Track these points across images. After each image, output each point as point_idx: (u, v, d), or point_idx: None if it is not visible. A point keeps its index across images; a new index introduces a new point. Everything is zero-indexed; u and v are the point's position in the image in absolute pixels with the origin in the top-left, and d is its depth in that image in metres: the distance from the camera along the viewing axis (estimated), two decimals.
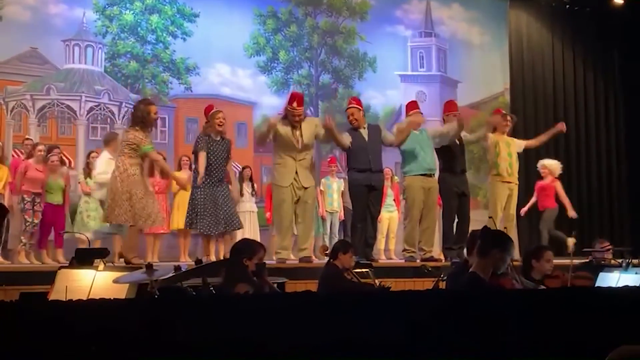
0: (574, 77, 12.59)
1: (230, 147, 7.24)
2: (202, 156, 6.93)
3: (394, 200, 9.99)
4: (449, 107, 8.30)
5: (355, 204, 7.55)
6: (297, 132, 7.19)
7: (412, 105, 8.02)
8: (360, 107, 7.44)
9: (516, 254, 7.42)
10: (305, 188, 7.24)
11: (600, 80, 12.76)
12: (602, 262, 6.52)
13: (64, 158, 8.29)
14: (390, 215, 9.92)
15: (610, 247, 6.96)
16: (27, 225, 7.44)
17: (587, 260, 6.89)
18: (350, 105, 7.57)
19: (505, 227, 7.34)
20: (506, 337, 3.15)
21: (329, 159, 10.41)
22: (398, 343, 2.99)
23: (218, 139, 7.07)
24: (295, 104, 7.15)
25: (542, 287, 4.72)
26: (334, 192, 9.74)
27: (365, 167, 7.35)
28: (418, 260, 7.49)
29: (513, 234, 8.14)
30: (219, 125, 7.02)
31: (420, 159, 7.56)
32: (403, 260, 7.96)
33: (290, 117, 7.19)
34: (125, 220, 6.32)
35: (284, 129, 7.18)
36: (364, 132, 7.43)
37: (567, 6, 12.54)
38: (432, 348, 3.02)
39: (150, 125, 6.57)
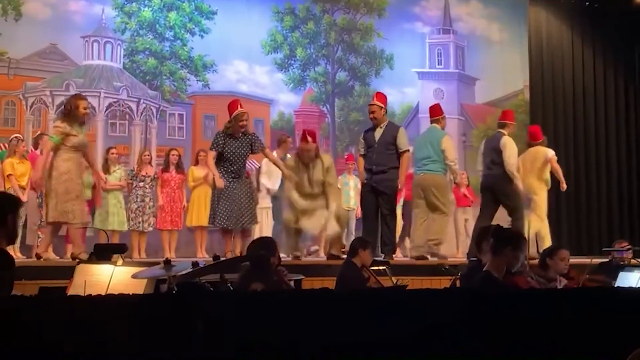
0: (593, 74, 12.47)
1: (255, 141, 7.17)
2: (211, 155, 7.00)
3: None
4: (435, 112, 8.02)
5: (360, 202, 7.84)
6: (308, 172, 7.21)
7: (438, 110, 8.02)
8: (382, 105, 7.43)
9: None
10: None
11: (620, 78, 12.63)
12: (622, 262, 6.45)
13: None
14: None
15: (629, 247, 6.88)
16: (42, 221, 7.50)
17: (607, 260, 6.83)
18: (373, 102, 7.52)
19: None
20: (521, 337, 3.13)
21: (346, 157, 10.41)
22: (414, 342, 2.99)
23: (239, 135, 7.06)
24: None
25: (563, 281, 4.69)
26: (351, 190, 9.72)
27: (368, 167, 7.42)
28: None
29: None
30: (241, 127, 7.03)
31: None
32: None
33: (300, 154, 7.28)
34: (52, 217, 6.31)
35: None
36: (378, 132, 7.42)
37: (587, 3, 12.42)
38: (447, 347, 3.01)
39: (79, 119, 6.47)
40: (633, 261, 6.39)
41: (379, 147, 7.37)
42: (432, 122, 7.91)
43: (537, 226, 8.14)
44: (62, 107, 6.92)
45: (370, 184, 7.39)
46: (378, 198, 7.37)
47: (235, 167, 7.00)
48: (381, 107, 7.40)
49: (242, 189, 7.02)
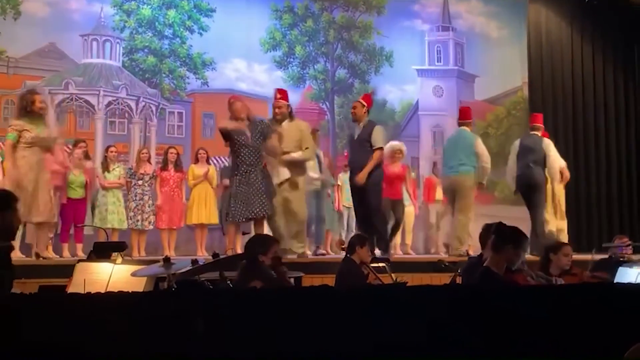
0: (593, 71, 12.45)
1: (268, 128, 6.99)
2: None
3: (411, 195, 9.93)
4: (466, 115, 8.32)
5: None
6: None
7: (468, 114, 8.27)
8: (365, 104, 7.48)
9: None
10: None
11: (620, 75, 12.61)
12: (622, 258, 6.45)
13: (89, 153, 8.35)
14: (406, 210, 9.85)
15: (629, 243, 6.87)
16: None
17: (607, 257, 6.83)
18: (358, 100, 7.73)
19: None
20: (520, 333, 3.14)
21: (345, 154, 10.39)
22: (415, 339, 2.99)
23: (247, 123, 6.92)
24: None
25: (560, 281, 4.69)
26: None
27: (348, 165, 7.66)
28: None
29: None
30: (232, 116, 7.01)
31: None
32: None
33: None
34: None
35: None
36: (357, 130, 7.52)
37: (587, 0, 12.41)
38: (447, 343, 3.01)
39: (35, 114, 6.46)
40: (633, 257, 6.39)
41: (356, 145, 7.43)
42: (460, 124, 8.15)
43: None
44: (18, 104, 6.83)
45: (352, 182, 7.47)
46: (360, 195, 7.38)
47: (246, 158, 6.86)
48: (363, 105, 7.45)
49: (256, 179, 6.80)
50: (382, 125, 7.79)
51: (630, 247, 6.81)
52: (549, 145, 8.39)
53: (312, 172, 8.02)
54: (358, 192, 7.41)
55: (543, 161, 8.33)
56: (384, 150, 7.70)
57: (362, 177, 7.22)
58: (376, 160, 7.29)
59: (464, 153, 7.80)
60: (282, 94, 7.40)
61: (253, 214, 6.73)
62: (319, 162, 8.33)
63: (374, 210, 7.40)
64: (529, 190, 8.33)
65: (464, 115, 8.18)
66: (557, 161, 8.42)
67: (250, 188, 6.71)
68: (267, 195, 6.80)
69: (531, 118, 9.08)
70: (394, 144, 8.86)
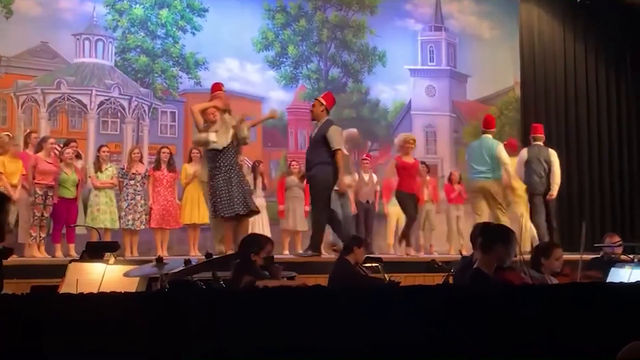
0: (585, 71, 12.50)
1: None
2: None
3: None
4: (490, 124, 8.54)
5: None
6: None
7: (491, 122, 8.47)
8: (324, 103, 7.38)
9: None
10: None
11: (612, 74, 12.67)
12: (612, 256, 6.47)
13: (80, 152, 8.33)
14: (398, 210, 9.85)
15: (620, 242, 6.90)
16: (34, 220, 7.48)
17: (599, 256, 6.85)
18: (317, 98, 7.63)
19: None
20: (514, 333, 3.14)
21: None
22: (407, 338, 2.99)
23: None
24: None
25: (554, 280, 4.70)
26: None
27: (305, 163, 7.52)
28: None
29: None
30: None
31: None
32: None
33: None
34: None
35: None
36: (314, 129, 7.45)
37: (579, 0, 12.45)
38: (441, 343, 3.02)
39: None
40: (623, 257, 6.41)
41: (311, 143, 7.38)
42: (484, 132, 8.34)
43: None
44: None
45: (308, 180, 7.49)
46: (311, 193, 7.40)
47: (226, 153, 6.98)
48: (322, 104, 7.35)
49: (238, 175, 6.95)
50: (339, 126, 7.63)
51: (621, 246, 6.83)
52: (556, 157, 8.90)
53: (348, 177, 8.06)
54: (311, 191, 7.45)
55: (548, 172, 8.78)
56: (396, 143, 7.94)
57: (344, 185, 7.40)
58: (340, 162, 7.17)
59: (491, 160, 8.10)
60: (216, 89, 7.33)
61: (249, 208, 6.88)
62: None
63: (316, 210, 7.33)
64: (533, 199, 8.77)
65: (488, 124, 8.41)
66: (559, 175, 8.91)
67: (232, 185, 6.84)
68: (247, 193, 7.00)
69: (533, 128, 9.20)
70: (405, 134, 8.88)
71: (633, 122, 12.58)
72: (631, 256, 5.93)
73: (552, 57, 12.36)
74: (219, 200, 6.83)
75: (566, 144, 12.16)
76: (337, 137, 7.22)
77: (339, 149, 7.18)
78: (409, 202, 8.32)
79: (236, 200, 6.80)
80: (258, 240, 4.83)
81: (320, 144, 7.19)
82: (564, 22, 12.50)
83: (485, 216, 8.12)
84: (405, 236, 8.39)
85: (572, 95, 12.34)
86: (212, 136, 6.90)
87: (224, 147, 6.87)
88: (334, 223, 7.50)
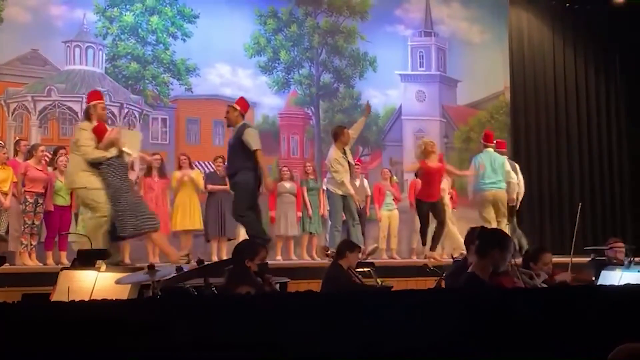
0: (574, 75, 12.58)
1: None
2: None
3: (394, 199, 9.96)
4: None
5: None
6: None
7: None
8: (238, 108, 7.18)
9: None
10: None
11: (601, 78, 12.75)
12: (614, 260, 6.49)
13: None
14: (390, 214, 9.90)
15: (621, 244, 6.90)
16: (25, 227, 7.45)
17: (591, 259, 6.89)
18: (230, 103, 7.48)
19: None
20: (506, 336, 3.15)
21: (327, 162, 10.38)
22: (399, 343, 3.00)
23: None
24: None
25: (544, 276, 4.72)
26: None
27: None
28: None
29: None
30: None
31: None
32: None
33: None
34: None
35: None
36: (231, 134, 7.32)
37: (568, 4, 12.54)
38: (434, 347, 3.02)
39: None
40: (630, 259, 6.38)
41: (229, 149, 7.25)
42: (486, 146, 8.94)
43: None
44: None
45: (230, 186, 7.36)
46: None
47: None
48: (236, 109, 7.16)
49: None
50: (255, 128, 7.49)
51: (623, 250, 6.83)
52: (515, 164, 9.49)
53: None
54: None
55: None
56: (417, 149, 8.27)
57: (269, 184, 7.36)
58: (261, 162, 7.02)
59: (500, 172, 8.76)
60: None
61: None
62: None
63: (235, 215, 7.23)
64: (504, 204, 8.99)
65: (488, 139, 9.06)
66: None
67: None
68: None
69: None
70: (425, 139, 9.11)
71: (623, 125, 12.67)
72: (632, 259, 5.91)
73: (542, 61, 12.43)
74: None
75: (556, 147, 12.22)
76: (254, 138, 7.04)
77: (258, 149, 6.98)
78: (436, 210, 8.47)
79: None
80: (252, 247, 4.83)
81: (238, 148, 7.02)
82: (553, 26, 12.58)
83: (494, 224, 8.25)
84: (436, 244, 8.56)
85: (562, 98, 12.41)
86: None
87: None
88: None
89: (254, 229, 7.00)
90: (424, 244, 8.88)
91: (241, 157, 6.99)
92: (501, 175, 8.76)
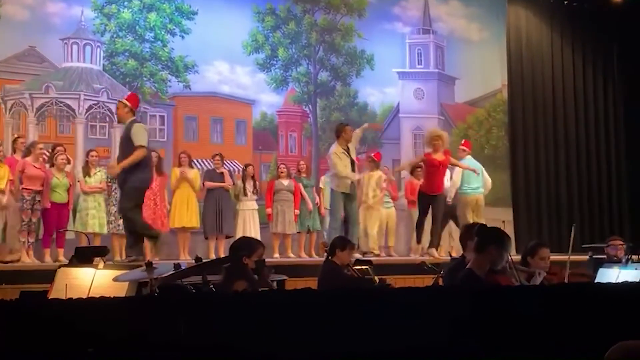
0: (572, 73, 12.58)
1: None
2: None
3: (391, 197, 9.96)
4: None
5: None
6: None
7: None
8: (127, 103, 7.00)
9: None
10: None
11: (599, 76, 12.75)
12: (614, 258, 6.50)
13: (68, 157, 8.31)
14: (387, 212, 9.88)
15: (622, 244, 6.92)
16: (23, 225, 7.44)
17: (589, 257, 6.90)
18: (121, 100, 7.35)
19: None
20: (503, 334, 3.16)
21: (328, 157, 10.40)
22: (396, 340, 3.00)
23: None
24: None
25: (542, 274, 4.72)
26: None
27: None
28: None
29: None
30: None
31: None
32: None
33: None
34: None
35: None
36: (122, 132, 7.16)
37: (566, 2, 12.53)
38: (430, 345, 3.03)
39: None
40: (634, 257, 6.39)
41: (120, 146, 7.07)
42: (465, 152, 9.45)
43: None
44: None
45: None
46: None
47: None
48: (126, 105, 7.00)
49: None
50: (143, 124, 7.30)
51: (623, 248, 6.84)
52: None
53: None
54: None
55: None
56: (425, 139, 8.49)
57: (113, 166, 7.08)
58: (136, 157, 6.74)
59: (481, 178, 9.36)
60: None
61: None
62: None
63: (122, 212, 7.05)
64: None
65: (468, 146, 9.67)
66: None
67: None
68: None
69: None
70: (432, 129, 9.30)
71: (620, 123, 12.67)
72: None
73: (540, 59, 12.42)
74: None
75: (554, 145, 12.22)
76: (141, 135, 6.83)
77: (140, 146, 6.77)
78: (435, 204, 8.58)
79: None
80: (250, 244, 4.82)
81: (127, 145, 6.85)
82: (552, 23, 12.57)
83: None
84: (436, 240, 8.66)
85: (560, 96, 12.41)
86: None
87: None
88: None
89: (138, 226, 6.89)
90: (418, 240, 8.88)
91: (130, 154, 6.77)
92: (482, 181, 9.38)
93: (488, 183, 9.67)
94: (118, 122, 7.38)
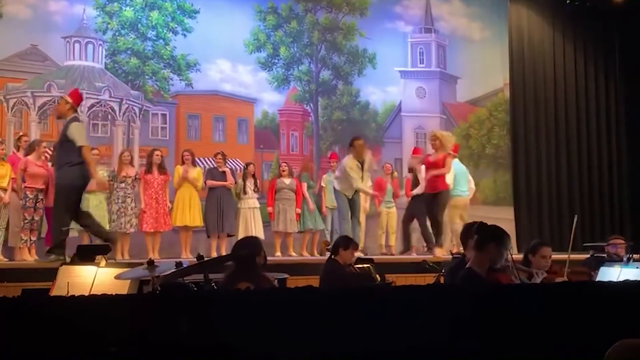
0: (574, 72, 12.58)
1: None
2: None
3: (392, 195, 9.97)
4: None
5: None
6: None
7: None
8: (68, 100, 6.87)
9: None
10: None
11: (601, 75, 12.75)
12: (614, 256, 6.50)
13: None
14: (388, 211, 9.90)
15: (622, 243, 6.91)
16: (25, 223, 7.45)
17: (590, 255, 6.90)
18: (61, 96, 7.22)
19: None
20: (503, 333, 3.16)
21: (329, 155, 10.42)
22: (400, 338, 3.00)
23: None
24: None
25: (542, 274, 4.72)
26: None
27: None
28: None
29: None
30: None
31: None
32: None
33: None
34: None
35: None
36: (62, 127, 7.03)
37: (568, 1, 12.52)
38: (431, 344, 3.03)
39: None
40: (635, 256, 6.39)
41: (57, 143, 6.96)
42: (455, 156, 9.11)
43: None
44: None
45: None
46: None
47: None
48: (67, 102, 6.88)
49: None
50: (81, 122, 7.09)
51: (624, 247, 6.83)
52: None
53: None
54: None
55: None
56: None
57: (102, 182, 7.28)
58: (90, 158, 6.77)
59: (466, 180, 9.36)
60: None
61: None
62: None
63: (55, 209, 6.94)
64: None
65: (456, 150, 9.51)
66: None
67: None
68: None
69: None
70: (432, 130, 9.40)
71: (622, 122, 12.67)
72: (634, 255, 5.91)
73: (542, 58, 12.42)
74: None
75: (556, 144, 12.22)
76: (78, 135, 6.70)
77: (84, 146, 6.68)
78: (431, 203, 8.57)
79: None
80: (256, 243, 4.81)
81: (66, 143, 6.74)
82: (554, 23, 12.57)
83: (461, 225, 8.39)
84: (437, 239, 8.64)
85: (562, 95, 12.41)
86: None
87: None
88: (85, 223, 7.14)
89: (58, 225, 6.80)
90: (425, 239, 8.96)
91: (69, 152, 6.69)
92: (467, 184, 9.44)
93: (472, 185, 9.69)
94: (57, 119, 7.22)
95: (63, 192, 6.75)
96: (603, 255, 6.69)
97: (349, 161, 8.18)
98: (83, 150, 6.69)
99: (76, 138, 6.66)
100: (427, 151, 9.62)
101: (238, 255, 4.60)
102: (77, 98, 7.06)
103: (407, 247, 9.30)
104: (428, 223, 8.78)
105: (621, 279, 4.56)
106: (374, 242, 9.99)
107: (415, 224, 9.33)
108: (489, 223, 4.14)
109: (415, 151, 10.01)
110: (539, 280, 4.59)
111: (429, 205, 8.59)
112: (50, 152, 7.99)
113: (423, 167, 8.82)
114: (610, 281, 4.48)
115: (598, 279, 4.92)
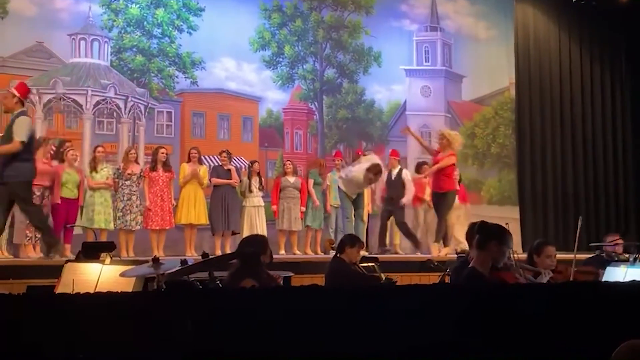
0: (580, 71, 12.54)
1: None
2: None
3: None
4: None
5: None
6: None
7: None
8: (16, 93, 6.60)
9: None
10: None
11: (607, 74, 12.71)
12: (612, 255, 6.49)
13: (75, 152, 8.33)
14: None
15: (620, 241, 6.91)
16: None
17: (595, 255, 6.88)
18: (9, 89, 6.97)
19: None
20: (509, 333, 3.15)
21: (334, 153, 10.41)
22: (403, 338, 3.00)
23: None
24: None
25: (548, 273, 4.71)
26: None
27: None
28: None
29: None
30: None
31: None
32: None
33: None
34: None
35: None
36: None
37: (574, 0, 12.49)
38: (434, 343, 3.03)
39: None
40: (622, 256, 6.41)
41: (3, 139, 6.66)
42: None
43: None
44: None
45: None
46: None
47: None
48: (14, 95, 6.62)
49: None
50: (28, 117, 6.78)
51: (621, 245, 6.83)
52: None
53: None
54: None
55: None
56: None
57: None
58: (6, 150, 6.42)
59: None
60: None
61: None
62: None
63: (24, 208, 6.79)
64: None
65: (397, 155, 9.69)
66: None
67: None
68: None
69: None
70: (440, 129, 9.43)
71: (628, 121, 12.63)
72: (627, 255, 5.93)
73: (547, 57, 12.39)
74: None
75: (561, 143, 12.19)
76: (21, 130, 6.44)
77: (19, 141, 6.40)
78: (437, 202, 8.62)
79: None
80: (262, 242, 4.81)
81: (8, 137, 6.48)
82: (559, 22, 12.54)
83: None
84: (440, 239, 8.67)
85: (567, 94, 12.38)
86: None
87: None
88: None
89: (38, 220, 6.79)
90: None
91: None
92: None
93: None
94: (5, 112, 7.06)
95: (20, 189, 6.57)
96: (614, 253, 6.67)
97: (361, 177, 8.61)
98: (15, 143, 6.41)
99: (16, 132, 6.41)
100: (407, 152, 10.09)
101: (243, 253, 4.60)
102: (25, 91, 6.81)
103: (415, 243, 9.25)
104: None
105: (627, 279, 4.54)
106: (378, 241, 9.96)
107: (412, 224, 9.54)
108: (494, 222, 4.13)
109: (393, 153, 9.81)
110: (546, 280, 4.57)
111: (435, 204, 8.62)
112: (54, 149, 8.01)
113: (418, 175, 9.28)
114: (617, 281, 4.46)
115: (604, 279, 4.90)
